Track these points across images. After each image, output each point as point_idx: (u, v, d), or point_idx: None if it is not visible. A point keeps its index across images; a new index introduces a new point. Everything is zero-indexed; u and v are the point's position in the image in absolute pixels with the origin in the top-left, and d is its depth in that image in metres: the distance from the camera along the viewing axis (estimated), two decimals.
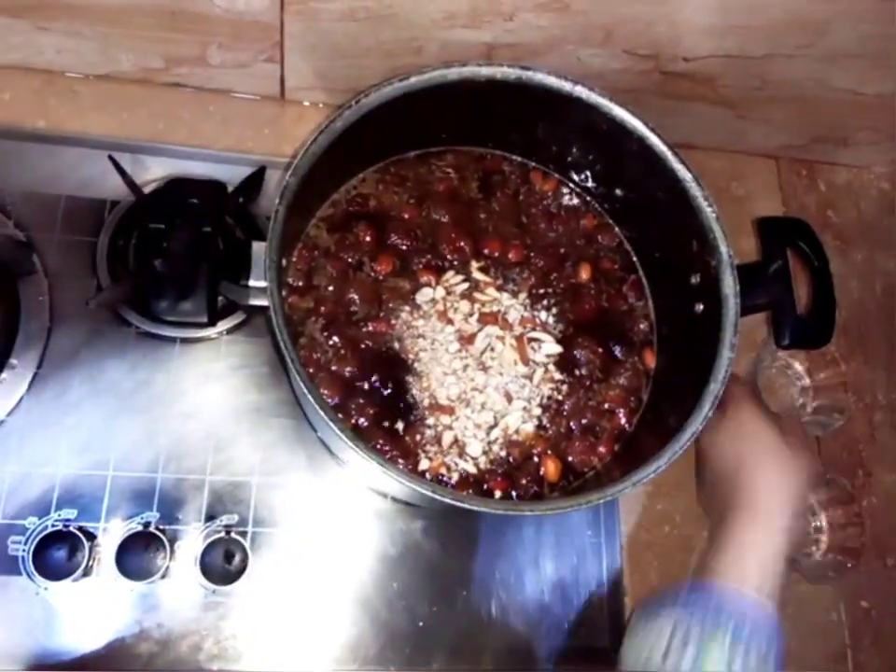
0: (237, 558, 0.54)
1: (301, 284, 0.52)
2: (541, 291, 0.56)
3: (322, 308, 0.52)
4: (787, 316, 0.48)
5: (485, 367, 0.52)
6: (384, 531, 0.58)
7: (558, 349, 0.53)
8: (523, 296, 0.55)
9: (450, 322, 0.53)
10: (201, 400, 0.59)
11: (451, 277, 0.55)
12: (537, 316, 0.55)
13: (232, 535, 0.55)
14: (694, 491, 0.62)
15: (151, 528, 0.54)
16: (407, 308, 0.53)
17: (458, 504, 0.40)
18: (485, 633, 0.58)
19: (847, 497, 0.64)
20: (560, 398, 0.53)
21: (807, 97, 0.65)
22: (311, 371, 0.50)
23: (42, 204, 0.60)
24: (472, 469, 0.50)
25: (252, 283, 0.44)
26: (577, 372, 0.53)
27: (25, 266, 0.58)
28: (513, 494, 0.49)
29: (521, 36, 0.58)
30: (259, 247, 0.44)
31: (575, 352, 0.53)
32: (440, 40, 0.58)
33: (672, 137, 0.51)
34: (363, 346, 0.52)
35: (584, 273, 0.56)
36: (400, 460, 0.48)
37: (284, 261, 0.46)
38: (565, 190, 0.58)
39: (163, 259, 0.52)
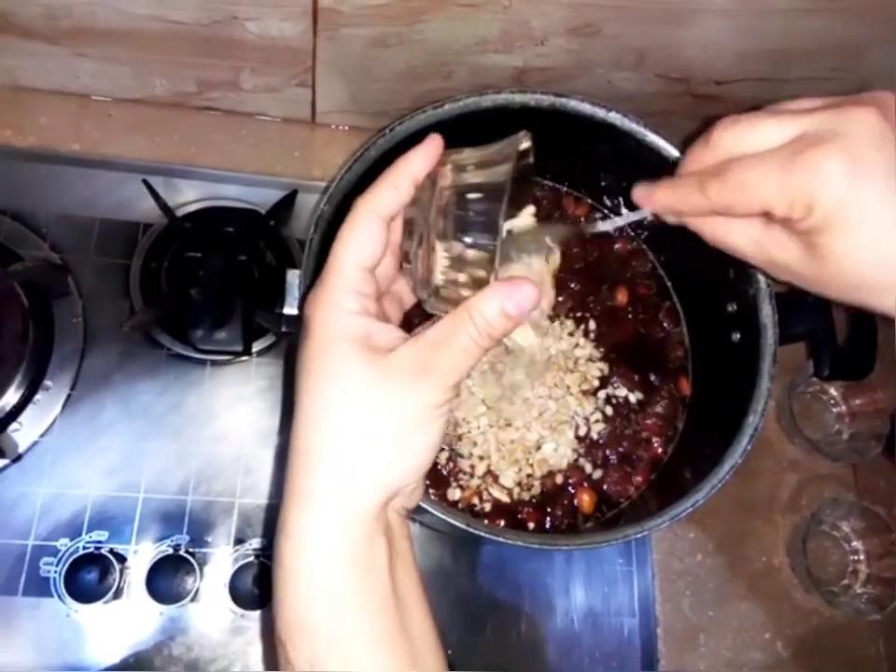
0: (266, 582, 0.54)
1: None
2: (578, 315, 0.55)
3: None
4: (827, 347, 0.47)
5: (521, 396, 0.52)
6: None
7: (597, 375, 0.53)
8: (558, 322, 0.55)
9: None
10: (231, 423, 0.59)
11: None
12: (575, 345, 0.54)
13: (262, 559, 0.55)
14: (728, 518, 0.61)
15: (181, 551, 0.54)
16: None
17: (493, 538, 0.39)
18: (514, 661, 0.57)
19: (884, 527, 0.62)
20: (596, 426, 0.52)
21: None
22: None
23: (77, 227, 0.61)
24: (505, 499, 0.49)
25: (287, 311, 0.44)
26: (613, 401, 0.53)
27: (60, 288, 0.59)
28: (547, 524, 0.49)
29: (552, 60, 0.57)
30: (293, 275, 0.44)
31: (612, 380, 0.53)
32: (470, 65, 0.58)
33: None
34: None
35: (622, 297, 0.55)
36: (431, 489, 0.48)
37: None
38: (597, 215, 0.58)
39: (199, 288, 0.52)
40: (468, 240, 0.30)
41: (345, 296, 0.31)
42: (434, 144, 0.33)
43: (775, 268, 0.37)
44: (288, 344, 0.59)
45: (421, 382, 0.29)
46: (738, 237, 0.37)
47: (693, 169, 0.36)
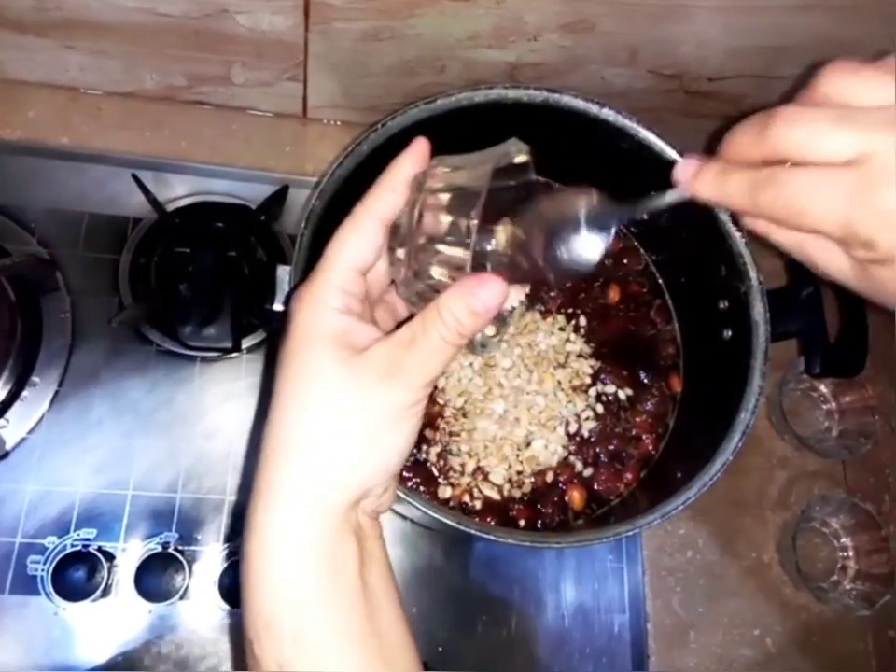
0: None
1: None
2: (570, 311, 0.55)
3: None
4: (818, 344, 0.47)
5: (514, 393, 0.52)
6: (403, 555, 0.57)
7: (588, 372, 0.53)
8: (550, 318, 0.55)
9: None
10: (221, 420, 0.58)
11: None
12: (566, 340, 0.54)
13: None
14: (718, 515, 0.61)
15: (170, 549, 0.54)
16: None
17: (484, 536, 0.39)
18: (505, 658, 0.57)
19: (873, 523, 0.63)
20: (587, 424, 0.52)
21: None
22: None
23: (65, 222, 0.60)
24: (496, 496, 0.49)
25: (277, 307, 0.43)
26: (604, 398, 0.53)
27: (48, 283, 0.58)
28: (538, 522, 0.49)
29: (545, 56, 0.57)
30: (283, 271, 0.44)
31: (602, 377, 0.53)
32: (463, 59, 0.58)
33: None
34: None
35: (613, 294, 0.56)
36: (422, 487, 0.48)
37: None
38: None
39: (188, 284, 0.52)
40: (446, 241, 0.30)
41: (330, 293, 0.31)
42: (421, 146, 0.33)
43: (815, 268, 0.33)
44: (270, 341, 0.59)
45: (391, 382, 0.29)
46: (783, 237, 0.32)
47: (740, 156, 0.31)
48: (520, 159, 0.33)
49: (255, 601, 0.29)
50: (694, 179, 0.32)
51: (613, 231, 0.32)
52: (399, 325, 0.36)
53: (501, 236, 0.34)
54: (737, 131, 0.31)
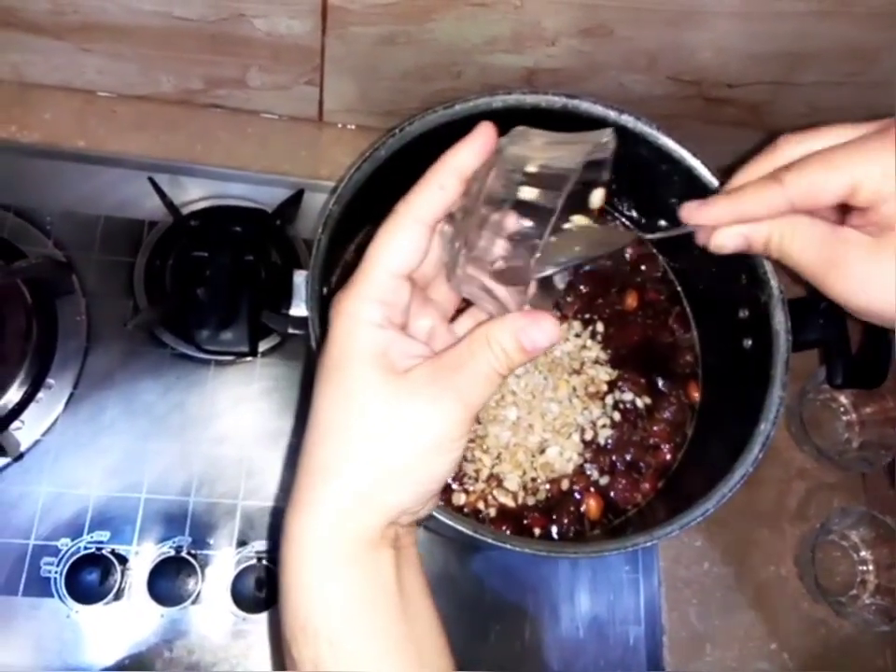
0: (268, 586, 0.54)
1: None
2: (587, 317, 0.54)
3: None
4: (840, 355, 0.46)
5: (526, 399, 0.51)
6: None
7: (604, 379, 0.52)
8: (566, 324, 0.54)
9: None
10: (234, 424, 0.58)
11: None
12: (582, 346, 0.54)
13: (264, 562, 0.54)
14: (735, 527, 0.61)
15: (183, 553, 0.54)
16: None
17: (500, 545, 0.39)
18: (519, 668, 0.56)
19: (893, 537, 0.62)
20: (603, 431, 0.52)
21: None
22: None
23: (81, 224, 0.60)
24: (511, 504, 0.49)
25: (293, 312, 0.43)
26: (621, 406, 0.52)
27: (64, 286, 0.58)
28: (553, 530, 0.48)
29: (563, 61, 0.57)
30: (300, 276, 0.44)
31: (619, 384, 0.52)
32: (480, 64, 0.58)
33: (714, 164, 0.50)
34: None
35: (631, 301, 0.55)
36: None
37: (325, 290, 0.46)
38: (608, 219, 0.57)
39: (205, 288, 0.52)
40: (513, 235, 0.28)
41: (369, 306, 0.29)
42: (486, 133, 0.30)
43: (833, 273, 0.34)
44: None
45: (435, 410, 0.28)
46: (802, 241, 0.34)
47: (750, 176, 0.35)
48: (606, 152, 0.30)
49: (291, 603, 0.29)
50: (703, 208, 0.35)
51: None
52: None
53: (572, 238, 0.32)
54: (743, 168, 0.35)
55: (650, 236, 0.38)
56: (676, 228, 0.37)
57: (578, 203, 0.31)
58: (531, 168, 0.28)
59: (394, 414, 0.28)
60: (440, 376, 0.28)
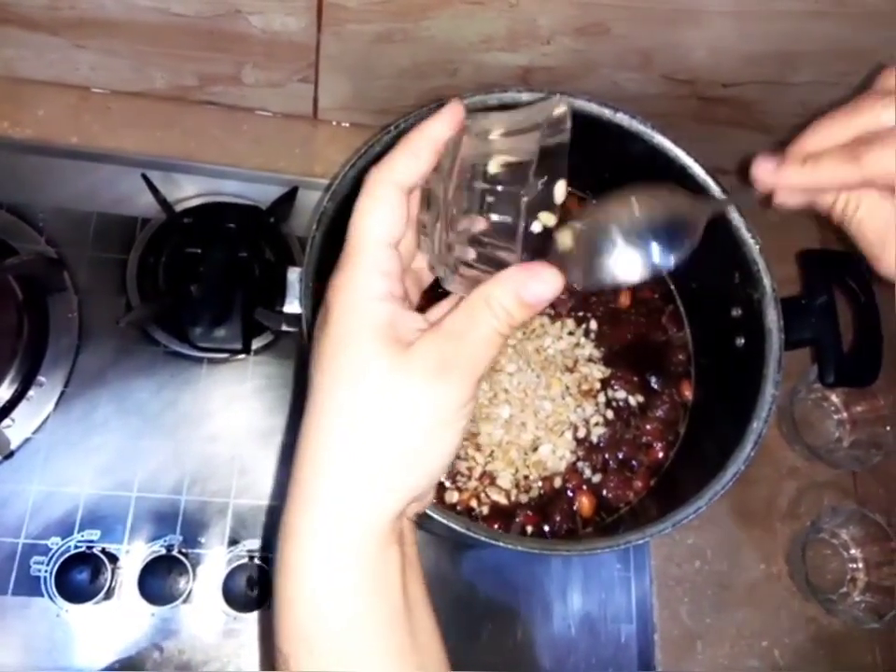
0: (260, 585, 0.53)
1: None
2: (580, 314, 0.55)
3: None
4: (832, 354, 0.46)
5: (518, 397, 0.51)
6: None
7: (597, 377, 0.52)
8: (559, 322, 0.54)
9: None
10: (226, 422, 0.58)
11: None
12: (575, 344, 0.54)
13: (256, 560, 0.54)
14: (727, 525, 0.61)
15: (174, 552, 0.53)
16: None
17: (493, 543, 0.39)
18: (511, 666, 0.56)
19: (883, 535, 0.62)
20: (596, 429, 0.52)
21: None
22: None
23: (74, 221, 0.60)
24: (504, 501, 0.49)
25: (287, 309, 0.43)
26: (614, 404, 0.52)
27: (56, 283, 0.58)
28: (545, 528, 0.48)
29: (558, 60, 0.57)
30: (294, 273, 0.44)
31: (612, 382, 0.52)
32: (475, 62, 0.58)
33: (707, 163, 0.50)
34: None
35: (624, 299, 0.55)
36: None
37: (318, 286, 0.46)
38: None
39: (199, 285, 0.51)
40: (491, 217, 0.28)
41: (369, 277, 0.28)
42: (455, 109, 0.29)
43: (888, 255, 0.33)
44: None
45: (444, 379, 0.27)
46: (866, 214, 0.33)
47: (829, 141, 0.32)
48: (559, 111, 0.30)
49: (291, 616, 0.27)
50: (779, 171, 0.32)
51: (700, 230, 0.31)
52: (424, 294, 0.34)
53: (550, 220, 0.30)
54: (820, 125, 0.32)
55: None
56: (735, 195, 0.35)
57: (542, 201, 0.31)
58: (495, 157, 0.28)
59: (403, 391, 0.27)
60: (444, 346, 0.27)
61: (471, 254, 0.29)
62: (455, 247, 0.29)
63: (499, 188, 0.28)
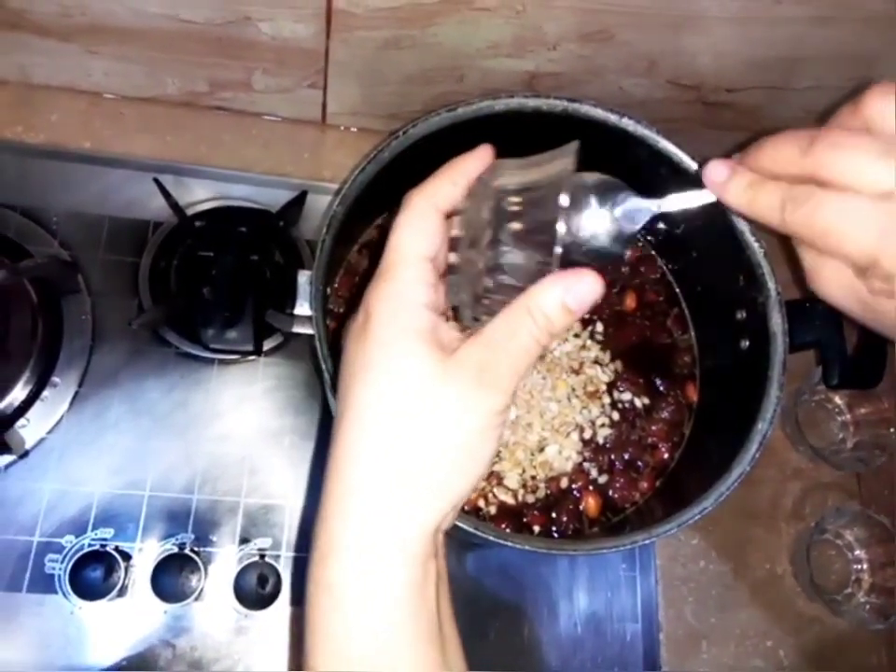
0: (270, 583, 0.54)
1: (343, 310, 0.52)
2: (586, 316, 0.55)
3: None
4: (836, 356, 0.47)
5: (524, 398, 0.52)
6: None
7: (603, 379, 0.53)
8: None
9: None
10: (237, 422, 0.59)
11: None
12: (581, 346, 0.54)
13: (266, 559, 0.55)
14: (732, 525, 0.61)
15: (186, 550, 0.54)
16: None
17: (501, 542, 0.39)
18: (517, 665, 0.57)
19: (888, 536, 0.62)
20: (602, 431, 0.52)
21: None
22: None
23: (87, 224, 0.61)
24: (511, 501, 0.49)
25: (297, 311, 0.44)
26: (620, 406, 0.53)
27: (69, 285, 0.59)
28: (553, 529, 0.49)
29: (564, 65, 0.58)
30: (304, 276, 0.44)
31: (618, 384, 0.53)
32: (482, 68, 0.58)
33: None
34: None
35: (630, 301, 0.56)
36: None
37: (328, 289, 0.47)
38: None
39: (211, 287, 0.52)
40: (523, 243, 0.29)
41: (414, 286, 0.29)
42: (487, 151, 0.32)
43: (820, 285, 0.32)
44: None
45: (485, 386, 0.27)
46: (828, 276, 0.31)
47: (776, 168, 0.30)
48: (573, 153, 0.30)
49: (327, 634, 0.27)
50: (725, 185, 0.32)
51: (641, 222, 0.31)
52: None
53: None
54: (776, 143, 0.31)
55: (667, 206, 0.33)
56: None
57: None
58: (528, 187, 0.30)
59: (448, 396, 0.27)
60: (483, 354, 0.28)
61: (499, 280, 0.29)
62: (482, 276, 0.29)
63: (530, 209, 0.29)
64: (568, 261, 0.29)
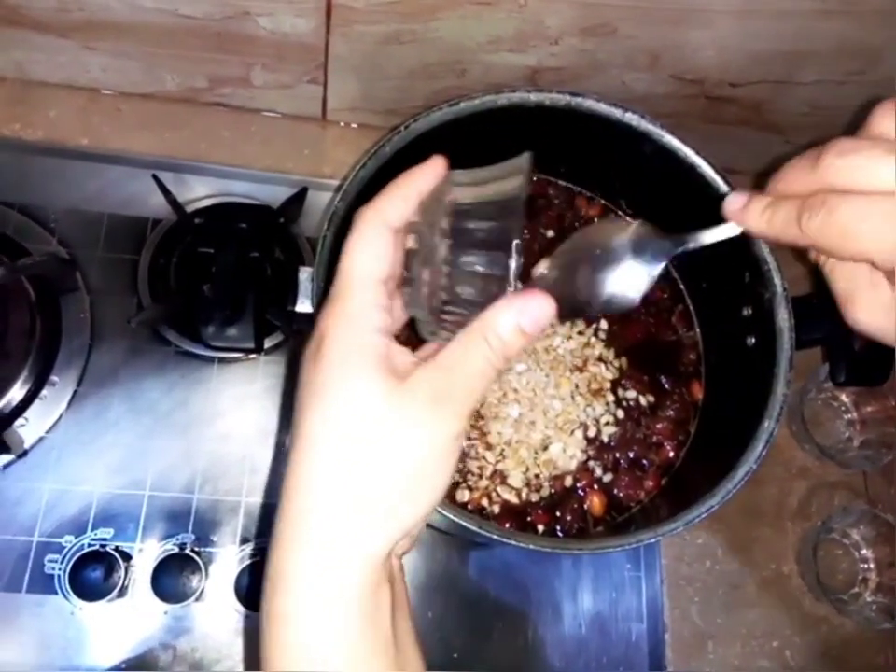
0: None
1: None
2: None
3: None
4: (843, 353, 0.46)
5: (527, 396, 0.51)
6: (419, 560, 0.57)
7: (607, 377, 0.53)
8: (568, 322, 0.54)
9: None
10: (237, 421, 0.58)
11: None
12: (585, 344, 0.54)
13: None
14: (737, 525, 0.61)
15: (187, 550, 0.54)
16: None
17: (505, 541, 0.39)
18: (521, 666, 0.56)
19: (894, 535, 0.62)
20: (606, 429, 0.52)
21: (858, 123, 0.64)
22: None
23: (85, 222, 0.61)
24: (514, 500, 0.49)
25: (298, 309, 0.43)
26: (624, 404, 0.52)
27: (68, 283, 0.59)
28: (557, 528, 0.48)
29: (566, 60, 0.57)
30: (304, 273, 0.44)
31: (622, 382, 0.52)
32: (484, 63, 0.58)
33: (716, 162, 0.50)
34: None
35: None
36: None
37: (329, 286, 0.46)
38: (610, 216, 0.57)
39: (212, 284, 0.52)
40: (479, 258, 0.28)
41: (366, 309, 0.28)
42: (439, 163, 0.31)
43: (853, 307, 0.31)
44: (289, 343, 0.59)
45: (439, 412, 0.27)
46: (843, 265, 0.31)
47: (791, 189, 0.30)
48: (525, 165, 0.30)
49: (284, 661, 0.27)
50: (743, 213, 0.31)
51: (662, 264, 0.31)
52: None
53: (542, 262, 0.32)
54: (787, 168, 0.30)
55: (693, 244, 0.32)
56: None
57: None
58: (482, 203, 0.29)
59: (400, 423, 0.27)
60: (437, 379, 0.27)
61: (455, 295, 0.29)
62: (438, 292, 0.29)
63: (489, 228, 0.28)
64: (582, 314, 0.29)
